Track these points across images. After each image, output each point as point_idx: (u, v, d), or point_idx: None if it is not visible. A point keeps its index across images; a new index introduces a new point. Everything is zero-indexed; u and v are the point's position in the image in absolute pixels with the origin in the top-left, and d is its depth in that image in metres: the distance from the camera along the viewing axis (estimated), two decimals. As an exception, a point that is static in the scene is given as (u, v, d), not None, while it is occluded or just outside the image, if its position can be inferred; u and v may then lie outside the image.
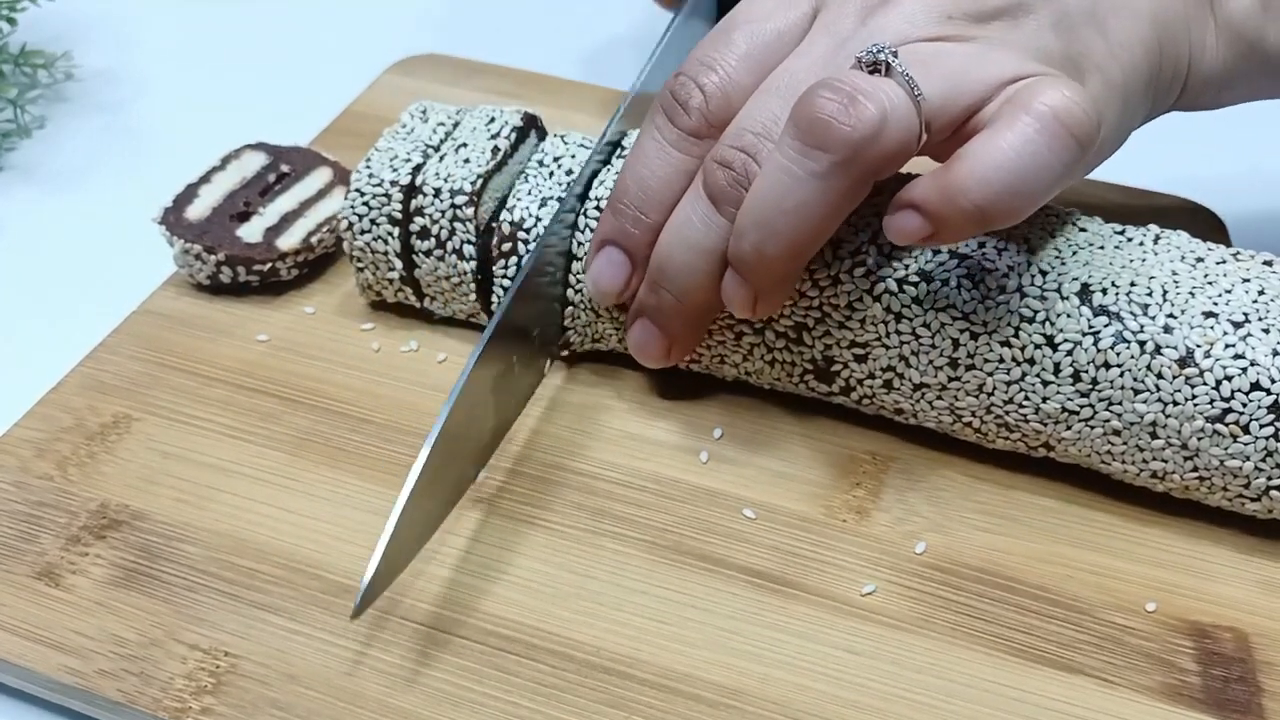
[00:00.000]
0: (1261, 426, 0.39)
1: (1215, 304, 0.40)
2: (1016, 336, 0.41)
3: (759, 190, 0.38)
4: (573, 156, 0.47)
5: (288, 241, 0.50)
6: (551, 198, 0.46)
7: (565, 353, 0.48)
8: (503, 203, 0.47)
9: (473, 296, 0.47)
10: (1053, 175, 0.37)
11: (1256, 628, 0.40)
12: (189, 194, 0.51)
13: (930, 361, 0.42)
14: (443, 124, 0.49)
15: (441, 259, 0.47)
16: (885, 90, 0.36)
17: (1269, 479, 0.40)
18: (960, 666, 0.38)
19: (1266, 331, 0.40)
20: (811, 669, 0.38)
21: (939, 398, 0.43)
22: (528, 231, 0.46)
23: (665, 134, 0.42)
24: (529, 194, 0.46)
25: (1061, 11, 0.40)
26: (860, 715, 0.37)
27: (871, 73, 0.37)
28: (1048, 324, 0.40)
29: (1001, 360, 0.41)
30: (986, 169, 0.36)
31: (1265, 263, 0.42)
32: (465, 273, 0.47)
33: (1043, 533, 0.42)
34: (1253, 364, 0.39)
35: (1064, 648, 0.39)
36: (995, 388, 0.42)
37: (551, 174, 0.47)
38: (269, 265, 0.50)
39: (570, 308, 0.46)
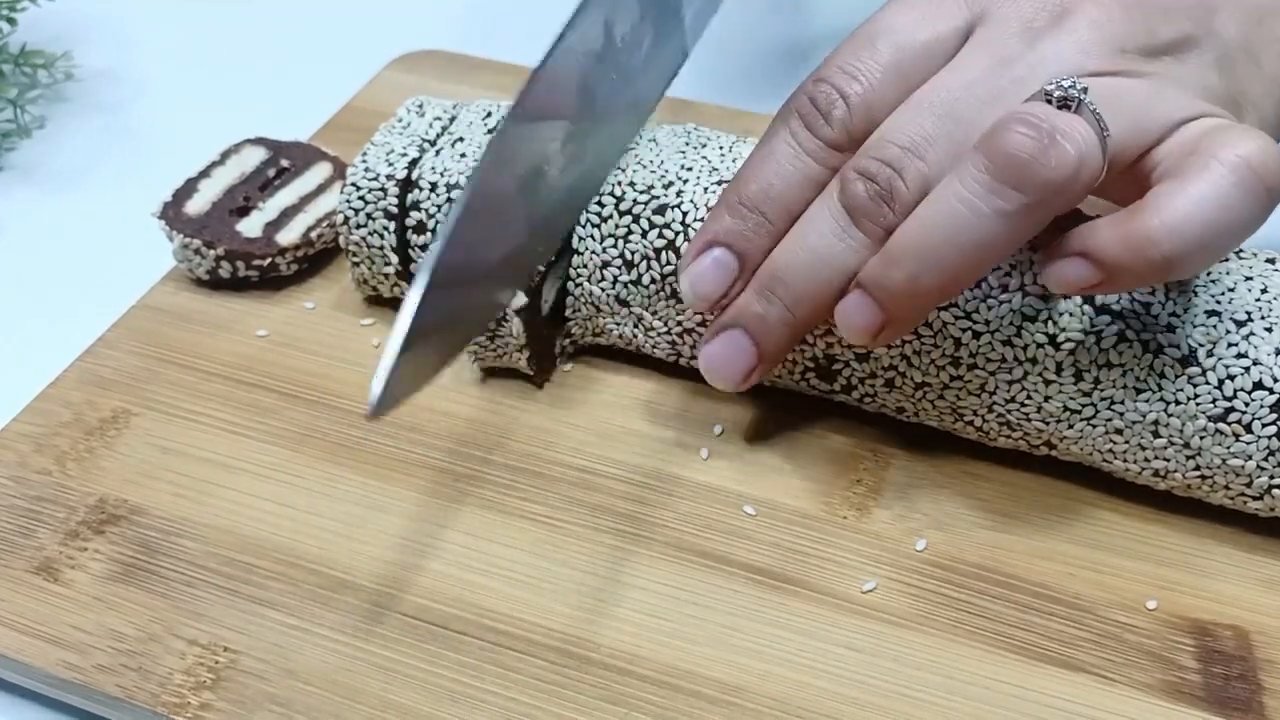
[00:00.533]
0: (1264, 425, 0.39)
1: (1218, 302, 0.40)
2: (1019, 335, 0.41)
3: (928, 219, 0.36)
4: None
5: (287, 236, 0.50)
6: None
7: (569, 341, 0.48)
8: None
9: (470, 291, 0.47)
10: (1242, 227, 0.35)
11: (1257, 626, 0.39)
12: (188, 189, 0.51)
13: (932, 361, 0.42)
14: (439, 119, 0.49)
15: (438, 253, 0.47)
16: (1080, 130, 0.35)
17: (1271, 477, 0.40)
18: (961, 664, 0.38)
19: (1269, 330, 0.40)
20: (812, 666, 0.38)
21: (940, 397, 0.43)
22: None
23: (802, 140, 0.39)
24: None
25: (1223, 48, 0.39)
26: (860, 712, 0.37)
27: (1060, 108, 0.35)
28: (1050, 323, 0.40)
29: (1004, 360, 0.41)
30: (1178, 219, 0.34)
31: (1268, 260, 0.42)
32: (464, 267, 0.47)
33: (1044, 530, 0.42)
34: (1255, 363, 0.39)
35: (1065, 645, 0.39)
36: (997, 387, 0.42)
37: None
38: (268, 260, 0.50)
39: (570, 299, 0.46)
